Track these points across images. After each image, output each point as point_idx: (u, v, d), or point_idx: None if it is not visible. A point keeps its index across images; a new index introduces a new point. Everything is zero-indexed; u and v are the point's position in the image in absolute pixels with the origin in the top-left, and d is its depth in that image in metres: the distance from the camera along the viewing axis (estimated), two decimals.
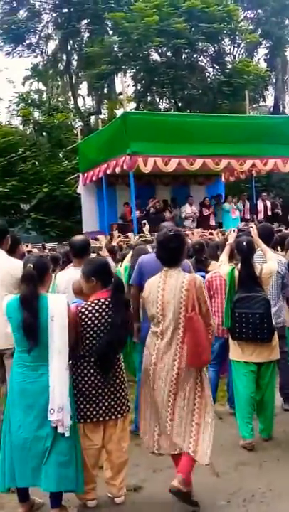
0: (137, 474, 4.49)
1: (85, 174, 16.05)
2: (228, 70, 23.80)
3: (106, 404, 3.93)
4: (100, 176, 14.69)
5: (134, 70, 24.14)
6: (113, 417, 3.96)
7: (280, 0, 27.01)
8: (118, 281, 3.97)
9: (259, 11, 28.50)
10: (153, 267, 5.25)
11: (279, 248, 7.03)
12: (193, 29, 21.65)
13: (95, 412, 3.91)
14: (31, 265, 3.73)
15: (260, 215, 16.21)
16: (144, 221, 9.35)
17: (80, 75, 28.15)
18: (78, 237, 5.72)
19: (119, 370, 4.00)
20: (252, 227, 5.97)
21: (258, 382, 5.14)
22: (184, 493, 3.82)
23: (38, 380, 3.66)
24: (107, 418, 3.95)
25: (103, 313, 3.86)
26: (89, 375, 3.90)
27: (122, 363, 4.09)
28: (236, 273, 5.08)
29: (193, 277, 4.05)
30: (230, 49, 27.43)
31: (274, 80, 29.27)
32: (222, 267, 5.41)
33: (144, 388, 4.15)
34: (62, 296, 3.93)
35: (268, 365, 5.11)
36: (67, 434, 3.64)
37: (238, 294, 5.01)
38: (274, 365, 5.19)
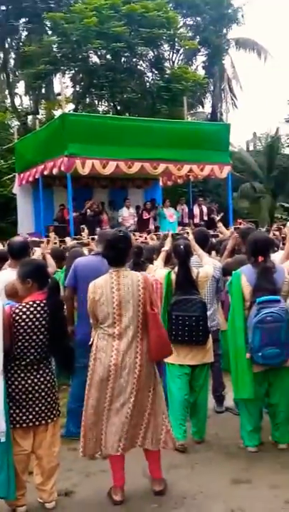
0: (69, 479, 4.43)
1: (21, 174, 15.82)
2: (167, 76, 23.99)
3: (36, 409, 3.85)
4: (36, 176, 14.52)
5: (72, 72, 23.95)
6: (43, 421, 3.88)
7: (218, 9, 27.50)
8: (54, 282, 3.92)
9: (198, 18, 28.91)
10: (88, 269, 5.26)
11: (214, 253, 7.14)
12: (132, 33, 21.70)
13: (24, 417, 3.83)
14: None
15: (196, 220, 16.41)
16: (83, 226, 9.31)
17: (17, 73, 27.70)
18: (17, 239, 5.65)
19: (50, 373, 3.93)
20: (188, 232, 6.02)
21: (192, 384, 5.18)
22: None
23: None
24: (37, 423, 3.87)
25: (38, 315, 3.79)
26: (19, 379, 3.81)
27: (53, 367, 4.03)
28: (173, 276, 5.12)
29: (145, 276, 4.20)
30: (169, 55, 27.71)
31: (212, 87, 29.76)
32: (158, 271, 5.44)
33: (92, 393, 4.09)
34: None
35: (202, 368, 5.16)
36: (3, 439, 3.57)
37: (174, 297, 5.04)
38: (208, 367, 5.24)
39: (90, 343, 4.27)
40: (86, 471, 4.58)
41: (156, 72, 24.94)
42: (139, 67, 25.00)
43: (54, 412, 3.95)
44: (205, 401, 5.27)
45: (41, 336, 3.79)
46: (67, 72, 23.52)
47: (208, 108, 31.02)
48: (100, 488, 4.29)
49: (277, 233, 11.15)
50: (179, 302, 4.98)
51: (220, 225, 8.82)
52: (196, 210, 16.90)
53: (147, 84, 24.86)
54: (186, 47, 26.32)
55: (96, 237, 6.03)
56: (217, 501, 4.03)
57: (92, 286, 4.13)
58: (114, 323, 4.02)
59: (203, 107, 30.98)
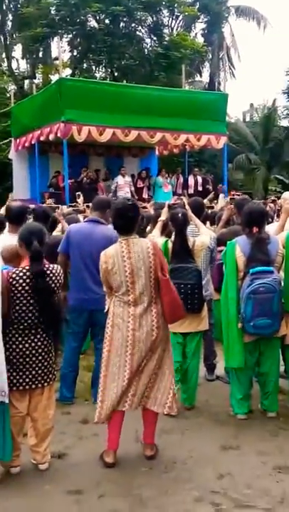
0: (62, 442, 4.51)
1: (18, 140, 15.70)
2: (165, 43, 23.68)
3: (33, 372, 3.91)
4: (32, 142, 14.41)
5: (70, 36, 23.59)
6: (39, 385, 3.95)
7: None
8: (34, 249, 3.84)
9: None
10: (80, 235, 5.30)
11: (208, 223, 7.17)
12: None
13: (21, 380, 3.89)
14: None
15: (191, 190, 16.38)
16: (79, 192, 9.28)
17: (14, 36, 27.21)
18: (15, 203, 5.69)
19: (47, 338, 3.99)
20: (184, 201, 6.04)
21: (184, 351, 5.27)
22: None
23: None
24: (34, 386, 3.94)
25: (28, 281, 3.82)
26: (17, 342, 3.86)
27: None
28: (170, 245, 5.17)
29: (154, 242, 4.29)
30: (168, 21, 27.30)
31: (210, 56, 29.41)
32: (156, 240, 5.46)
33: (111, 358, 4.15)
34: None
35: (195, 335, 5.23)
36: (6, 400, 3.67)
37: (171, 264, 5.08)
38: (200, 335, 5.31)
39: (106, 310, 4.31)
40: (79, 435, 4.68)
41: (154, 38, 24.61)
42: (137, 33, 24.65)
43: (50, 376, 4.02)
44: (196, 368, 5.35)
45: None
46: (65, 36, 23.17)
47: (206, 77, 30.75)
48: (92, 451, 4.38)
49: (271, 205, 11.19)
50: (175, 270, 5.02)
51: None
52: (191, 180, 16.87)
53: (145, 50, 24.54)
54: (186, 13, 25.94)
55: (91, 204, 6.02)
56: (207, 466, 4.13)
57: (104, 255, 4.17)
58: (128, 290, 4.09)
59: (201, 75, 30.72)
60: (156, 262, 4.09)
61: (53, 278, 3.90)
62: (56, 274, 3.92)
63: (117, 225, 4.20)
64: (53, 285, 3.90)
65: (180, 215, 5.14)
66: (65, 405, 5.18)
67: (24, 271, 3.82)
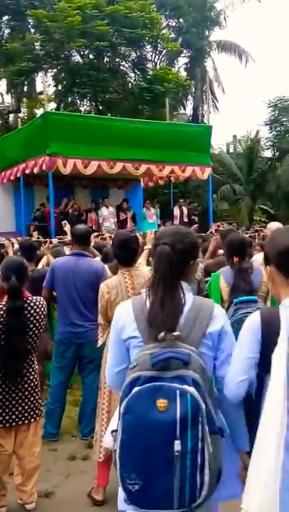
0: (49, 480, 4.42)
1: (3, 173, 15.72)
2: (149, 77, 24.02)
3: (19, 408, 3.83)
4: (17, 175, 14.43)
5: (55, 70, 23.85)
6: (26, 421, 3.87)
7: (201, 11, 27.64)
8: (11, 285, 3.74)
9: (181, 20, 29.02)
10: (66, 270, 5.27)
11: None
12: (115, 33, 21.68)
13: (7, 417, 3.81)
14: None
15: (176, 221, 16.44)
16: (65, 221, 9.25)
17: None
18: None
19: (32, 372, 3.92)
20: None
21: None
22: None
23: None
24: (20, 423, 3.86)
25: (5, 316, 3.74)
26: (3, 378, 3.78)
27: (36, 366, 4.01)
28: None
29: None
30: (151, 56, 27.76)
31: (193, 89, 29.89)
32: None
33: (113, 395, 3.98)
34: None
35: None
36: None
37: None
38: None
39: (101, 344, 4.23)
40: (66, 472, 4.59)
41: (138, 72, 24.95)
42: (121, 67, 25.00)
43: (37, 411, 3.94)
44: None
45: None
46: (49, 70, 23.42)
47: (189, 110, 31.18)
48: (79, 489, 4.29)
49: (254, 234, 11.26)
50: None
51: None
52: (176, 211, 16.94)
53: (129, 84, 24.86)
54: (169, 48, 26.37)
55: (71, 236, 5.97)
56: None
57: (106, 286, 4.12)
58: None
59: (184, 108, 31.11)
60: None
61: (36, 310, 3.83)
62: (39, 306, 3.86)
63: (120, 257, 4.20)
64: (36, 317, 3.82)
65: None
66: (50, 442, 5.09)
67: (1, 306, 3.75)
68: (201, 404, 2.04)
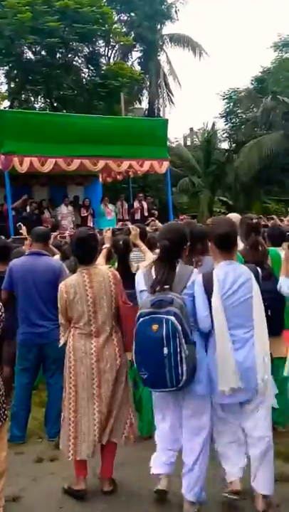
0: (16, 484, 4.33)
1: None
2: (102, 72, 23.92)
3: None
4: None
5: (7, 67, 23.52)
6: None
7: (152, 5, 27.65)
8: None
9: (132, 14, 28.98)
10: (25, 270, 5.20)
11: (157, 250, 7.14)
12: (67, 29, 21.48)
13: None
14: None
15: (137, 216, 16.40)
16: (19, 223, 9.10)
17: None
18: None
19: None
20: (132, 227, 6.01)
21: (136, 379, 5.17)
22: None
23: None
24: None
25: None
26: None
27: None
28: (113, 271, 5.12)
29: (114, 271, 4.28)
30: (104, 51, 27.65)
31: (148, 83, 29.89)
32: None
33: (79, 393, 4.06)
34: None
35: None
36: None
37: None
38: None
39: (62, 343, 4.23)
40: (34, 475, 4.51)
41: (92, 68, 24.82)
42: (74, 63, 24.81)
43: (1, 416, 3.85)
44: (150, 395, 5.24)
45: None
46: (1, 68, 23.10)
47: (145, 104, 31.17)
48: (48, 491, 4.23)
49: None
50: None
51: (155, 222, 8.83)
52: (136, 205, 16.89)
53: (83, 80, 24.70)
54: (121, 43, 26.33)
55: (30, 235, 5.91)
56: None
57: (64, 286, 4.13)
58: (90, 320, 4.07)
59: (140, 103, 31.11)
60: (118, 290, 4.14)
61: None
62: None
63: (78, 255, 4.21)
64: None
65: (121, 242, 5.15)
66: (18, 445, 5.00)
67: None
68: (178, 326, 3.48)
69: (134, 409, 4.36)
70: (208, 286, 3.67)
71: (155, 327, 3.50)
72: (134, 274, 5.01)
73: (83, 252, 4.16)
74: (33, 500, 4.13)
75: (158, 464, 3.97)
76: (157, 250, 6.81)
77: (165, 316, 3.49)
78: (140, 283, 3.87)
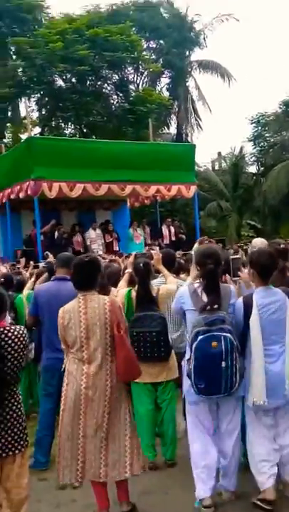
0: (39, 511, 4.33)
1: None
2: (131, 98, 24.22)
3: (3, 440, 3.74)
4: (3, 201, 14.38)
5: (38, 95, 24.01)
6: (10, 453, 3.78)
7: (180, 32, 27.99)
8: None
9: (161, 41, 29.37)
10: (49, 295, 5.25)
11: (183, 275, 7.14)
12: (97, 57, 21.89)
13: None
14: None
15: (166, 240, 16.43)
16: (47, 252, 9.21)
17: None
18: None
19: (15, 403, 3.83)
20: (154, 251, 6.03)
21: (157, 402, 5.20)
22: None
23: None
24: (4, 455, 3.77)
25: None
26: None
27: (19, 396, 3.94)
28: (133, 294, 5.18)
29: (113, 299, 4.27)
30: (133, 77, 28.01)
31: (176, 109, 30.13)
32: (120, 291, 5.43)
33: (65, 418, 4.09)
34: None
35: (166, 385, 5.18)
36: None
37: (135, 313, 5.09)
38: (172, 384, 5.22)
39: (63, 369, 4.26)
40: (56, 502, 4.51)
41: (121, 94, 25.17)
42: (104, 90, 25.19)
43: (22, 442, 3.85)
44: (172, 417, 5.23)
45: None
46: (32, 95, 23.57)
47: (173, 129, 31.39)
48: None
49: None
50: (139, 319, 5.02)
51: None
52: (164, 230, 16.92)
53: (113, 107, 25.04)
54: (150, 69, 26.65)
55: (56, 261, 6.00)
56: None
57: (61, 311, 4.17)
58: (82, 346, 4.05)
59: (168, 128, 31.33)
60: (113, 318, 4.07)
61: (15, 340, 3.64)
62: (17, 336, 3.67)
63: (74, 281, 4.23)
64: (14, 347, 3.64)
65: (141, 264, 5.16)
66: (40, 471, 5.01)
67: None
68: (234, 342, 3.99)
69: (137, 438, 4.25)
70: (248, 308, 4.18)
71: (214, 344, 3.95)
72: (154, 296, 5.08)
73: (79, 278, 4.19)
74: None
75: (201, 488, 4.26)
76: (182, 275, 6.91)
77: (223, 334, 3.97)
78: (186, 302, 4.29)
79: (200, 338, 3.98)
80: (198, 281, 4.36)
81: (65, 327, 4.12)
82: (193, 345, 4.01)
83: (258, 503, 4.16)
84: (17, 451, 3.80)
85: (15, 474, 3.82)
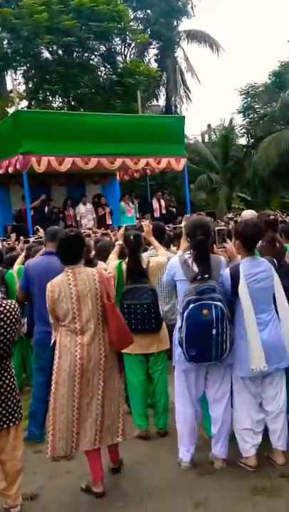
0: (34, 482, 4.39)
1: None
2: (119, 70, 23.89)
3: None
4: None
5: (24, 68, 23.63)
6: (5, 426, 3.83)
7: (167, 1, 27.54)
8: None
9: (148, 11, 28.90)
10: (39, 269, 5.25)
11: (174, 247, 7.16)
12: (83, 27, 21.48)
13: None
14: None
15: (156, 214, 16.41)
16: (37, 226, 9.17)
17: None
18: None
19: (8, 376, 3.87)
20: (146, 224, 6.03)
21: (149, 373, 5.27)
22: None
23: None
24: None
25: None
26: None
27: (12, 370, 3.96)
28: (124, 266, 5.21)
29: (100, 270, 4.38)
30: (121, 49, 27.59)
31: (165, 81, 29.80)
32: (110, 264, 5.45)
33: (59, 390, 4.13)
34: None
35: (158, 356, 5.23)
36: None
37: (126, 286, 5.13)
38: (163, 354, 5.27)
39: (52, 342, 4.29)
40: (51, 473, 4.56)
41: (108, 66, 24.81)
42: (91, 61, 24.81)
43: (16, 415, 3.90)
44: (164, 388, 5.27)
45: None
46: (18, 68, 23.20)
47: (162, 101, 31.08)
48: (65, 489, 4.28)
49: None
50: (130, 291, 5.06)
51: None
52: (155, 203, 16.90)
53: (100, 79, 24.70)
54: (138, 40, 26.24)
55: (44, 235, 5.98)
56: (183, 495, 4.05)
57: (50, 285, 4.21)
58: (75, 318, 4.12)
59: (157, 100, 31.01)
60: (103, 289, 4.17)
61: (7, 314, 3.75)
62: (10, 310, 3.78)
63: (60, 256, 4.29)
64: (7, 322, 3.75)
65: (132, 236, 5.17)
66: (35, 443, 5.06)
67: None
68: (225, 310, 4.07)
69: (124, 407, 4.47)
70: (235, 278, 4.26)
71: (206, 312, 4.04)
72: (145, 269, 5.09)
73: (65, 252, 4.25)
74: (50, 498, 4.18)
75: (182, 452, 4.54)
76: (173, 248, 6.93)
77: (214, 302, 4.04)
78: (177, 273, 4.40)
79: (191, 306, 4.07)
80: (188, 252, 4.40)
81: (54, 300, 4.16)
82: (185, 314, 4.10)
83: (242, 464, 4.41)
84: (11, 424, 3.86)
85: (10, 446, 3.89)
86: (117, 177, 17.21)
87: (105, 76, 24.54)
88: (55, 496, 4.20)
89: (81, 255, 4.28)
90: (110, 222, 15.28)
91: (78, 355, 4.10)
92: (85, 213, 15.19)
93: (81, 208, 15.28)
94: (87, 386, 4.11)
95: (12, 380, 3.90)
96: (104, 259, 5.97)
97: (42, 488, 4.32)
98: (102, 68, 25.25)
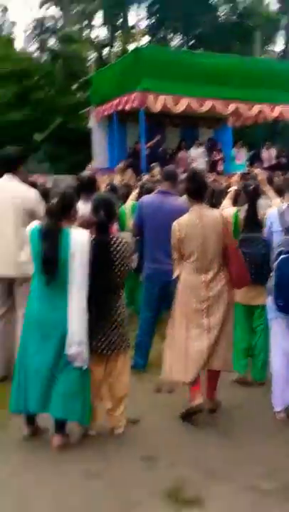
0: (136, 408, 4.59)
1: (97, 109, 15.62)
2: (239, 11, 23.07)
3: (109, 338, 4.04)
4: (111, 111, 14.37)
5: (148, 1, 23.31)
6: (115, 351, 4.08)
7: None
8: (100, 220, 4.01)
9: None
10: (153, 208, 5.36)
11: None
12: None
13: (100, 344, 4.02)
14: (56, 199, 3.86)
15: (266, 164, 16.02)
16: (154, 164, 9.26)
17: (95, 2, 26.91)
18: (85, 173, 5.88)
19: (120, 307, 4.11)
20: (260, 171, 5.99)
21: (252, 325, 5.27)
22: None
23: (55, 312, 3.83)
24: (109, 352, 4.07)
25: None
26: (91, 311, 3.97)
27: (124, 301, 4.20)
28: (240, 215, 5.20)
29: (222, 213, 4.62)
30: None
31: (285, 24, 28.24)
32: (225, 210, 5.41)
33: (185, 323, 4.40)
34: (84, 232, 3.92)
35: (263, 310, 5.07)
36: (85, 366, 3.88)
37: (241, 234, 5.14)
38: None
39: (175, 276, 4.49)
40: (153, 403, 4.81)
41: (229, 5, 23.97)
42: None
43: (124, 343, 4.14)
44: (265, 345, 5.12)
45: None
46: (143, 3, 22.94)
47: (280, 46, 29.62)
48: (165, 418, 4.50)
49: None
50: (246, 240, 5.06)
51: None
52: (264, 153, 16.49)
53: (220, 19, 23.96)
54: None
55: (160, 175, 6.09)
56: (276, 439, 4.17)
57: (177, 224, 4.39)
58: (199, 257, 4.32)
59: (275, 45, 29.58)
60: (225, 230, 4.34)
61: (122, 247, 3.99)
62: (124, 244, 4.00)
63: (190, 190, 4.45)
64: (121, 254, 3.98)
65: (251, 187, 5.17)
66: (139, 373, 5.29)
67: (91, 239, 3.93)
68: None
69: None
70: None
71: None
72: (260, 219, 5.09)
73: (194, 186, 4.40)
74: (151, 425, 4.41)
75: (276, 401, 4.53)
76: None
77: None
78: (274, 223, 4.55)
79: (282, 257, 4.17)
80: (287, 204, 4.47)
81: (182, 239, 4.34)
82: (275, 264, 4.22)
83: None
84: (121, 349, 4.10)
85: (117, 371, 4.16)
86: (229, 123, 16.82)
87: (225, 16, 23.76)
88: (156, 423, 4.43)
89: (206, 193, 4.47)
90: (221, 169, 15.08)
91: (204, 289, 4.32)
92: (196, 157, 15.03)
93: (192, 152, 15.14)
94: (214, 318, 4.33)
95: (123, 310, 4.14)
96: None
97: (144, 414, 4.55)
98: (223, 7, 24.46)
